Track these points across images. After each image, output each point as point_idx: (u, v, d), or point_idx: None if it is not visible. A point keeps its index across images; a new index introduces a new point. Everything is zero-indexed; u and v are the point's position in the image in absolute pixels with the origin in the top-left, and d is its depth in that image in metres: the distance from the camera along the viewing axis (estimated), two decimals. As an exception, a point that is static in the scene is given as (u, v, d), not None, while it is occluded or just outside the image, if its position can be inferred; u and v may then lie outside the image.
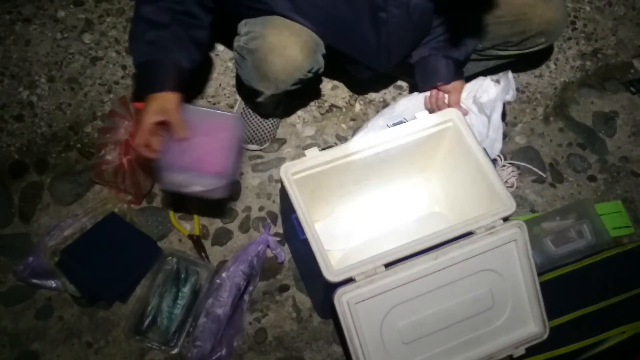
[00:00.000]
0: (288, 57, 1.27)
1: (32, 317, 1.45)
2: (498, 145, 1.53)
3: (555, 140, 1.77)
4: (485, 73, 1.58)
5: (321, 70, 1.39)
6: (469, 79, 1.76)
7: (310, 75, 1.36)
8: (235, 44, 1.34)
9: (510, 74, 1.47)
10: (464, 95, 1.50)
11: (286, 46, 1.26)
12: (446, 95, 1.48)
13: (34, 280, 1.46)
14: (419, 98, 1.54)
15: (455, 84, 1.48)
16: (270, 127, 1.66)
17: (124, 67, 1.81)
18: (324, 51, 1.36)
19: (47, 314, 1.45)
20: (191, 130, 1.29)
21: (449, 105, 1.45)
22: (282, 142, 1.71)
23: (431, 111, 1.43)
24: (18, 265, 1.45)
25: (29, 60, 1.81)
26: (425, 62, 1.48)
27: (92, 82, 1.79)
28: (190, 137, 1.29)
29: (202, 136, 1.32)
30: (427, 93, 1.54)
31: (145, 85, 1.29)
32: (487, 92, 1.47)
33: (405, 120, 1.48)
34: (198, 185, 1.32)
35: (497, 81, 1.48)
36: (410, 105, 1.53)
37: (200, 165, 1.30)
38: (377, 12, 1.28)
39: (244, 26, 1.32)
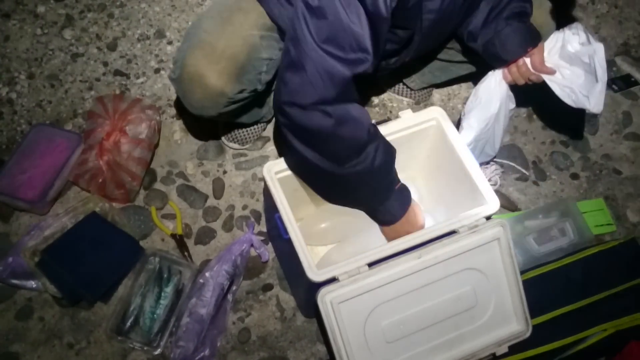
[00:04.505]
0: (206, 86, 1.27)
1: (12, 318, 1.43)
2: (603, 96, 1.35)
3: (539, 138, 1.78)
4: (461, 80, 1.61)
5: (260, 88, 1.36)
6: (445, 84, 1.76)
7: (245, 95, 1.34)
8: (168, 74, 1.34)
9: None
10: (545, 54, 1.39)
11: (203, 75, 1.26)
12: (527, 60, 1.38)
13: (14, 281, 1.44)
14: (495, 75, 1.43)
15: (539, 45, 1.38)
16: (254, 130, 1.65)
17: (105, 64, 1.79)
18: (261, 69, 1.33)
19: (27, 314, 1.43)
20: (31, 151, 1.54)
21: (533, 68, 1.37)
22: (266, 139, 1.70)
23: (516, 82, 1.40)
24: (-3, 265, 1.43)
25: (8, 57, 1.78)
26: (503, 36, 1.35)
27: (72, 79, 1.76)
28: (27, 159, 1.52)
29: (37, 158, 1.54)
30: (499, 71, 1.43)
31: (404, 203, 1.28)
32: (572, 42, 1.38)
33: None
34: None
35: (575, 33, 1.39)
36: (493, 86, 1.43)
37: (17, 191, 1.50)
38: None
39: (175, 52, 1.30)
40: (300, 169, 1.22)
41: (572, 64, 1.38)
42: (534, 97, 1.80)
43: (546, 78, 1.38)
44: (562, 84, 1.37)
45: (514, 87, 1.45)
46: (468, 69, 1.58)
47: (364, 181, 1.20)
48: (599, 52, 1.35)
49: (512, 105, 1.49)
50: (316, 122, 1.09)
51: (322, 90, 1.06)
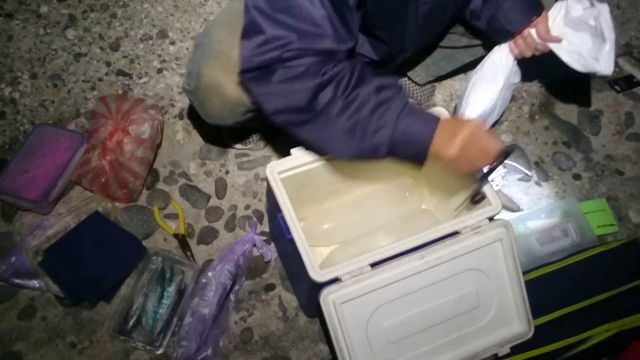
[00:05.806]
0: (224, 95, 1.26)
1: (15, 317, 1.43)
2: (612, 55, 1.36)
3: (541, 139, 1.78)
4: (466, 68, 1.62)
5: None
6: (450, 75, 1.74)
7: None
8: (182, 85, 1.35)
9: None
10: (549, 23, 1.40)
11: (220, 84, 1.25)
12: (532, 31, 1.39)
13: (17, 280, 1.44)
14: (501, 49, 1.43)
15: (543, 15, 1.39)
16: (256, 130, 1.65)
17: (107, 64, 1.79)
18: None
19: (30, 314, 1.44)
20: (34, 151, 1.54)
21: (539, 38, 1.38)
22: (269, 139, 1.70)
23: (523, 54, 1.40)
24: (0, 265, 1.43)
25: (11, 56, 1.79)
26: (505, 8, 1.35)
27: (75, 79, 1.77)
28: (30, 159, 1.53)
29: (40, 158, 1.54)
30: (505, 45, 1.43)
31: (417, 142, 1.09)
32: (576, 8, 1.38)
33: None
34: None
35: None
36: (499, 60, 1.43)
37: (20, 191, 1.50)
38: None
39: (187, 64, 1.32)
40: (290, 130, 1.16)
41: (577, 29, 1.38)
42: (536, 97, 1.81)
43: (553, 46, 1.38)
44: (569, 50, 1.37)
45: (522, 63, 1.44)
46: (472, 54, 1.58)
47: (351, 114, 1.07)
48: (603, 12, 1.35)
49: (518, 79, 1.48)
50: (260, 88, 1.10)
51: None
